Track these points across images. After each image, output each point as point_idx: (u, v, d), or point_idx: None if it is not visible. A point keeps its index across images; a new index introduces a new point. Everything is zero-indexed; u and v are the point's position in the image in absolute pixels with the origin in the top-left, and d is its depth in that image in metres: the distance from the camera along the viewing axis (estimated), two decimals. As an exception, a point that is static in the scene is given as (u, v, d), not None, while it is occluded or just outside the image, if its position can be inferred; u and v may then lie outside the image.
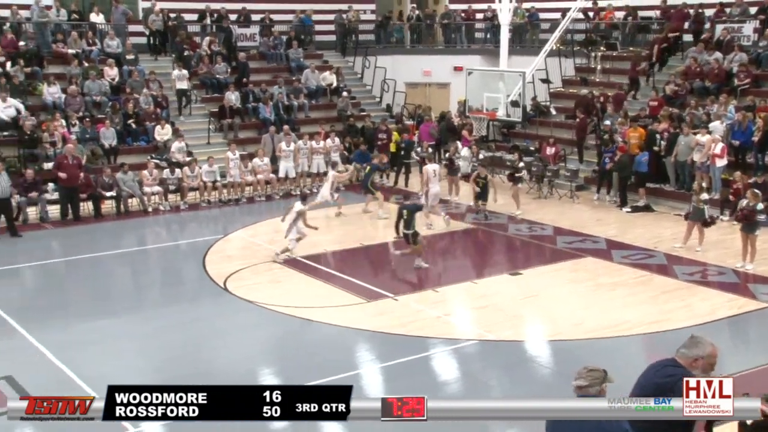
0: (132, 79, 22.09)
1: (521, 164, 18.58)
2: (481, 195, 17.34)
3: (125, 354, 10.62)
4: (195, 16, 25.72)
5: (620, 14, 25.54)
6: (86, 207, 17.94)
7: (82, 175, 17.77)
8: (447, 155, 20.40)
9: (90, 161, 19.20)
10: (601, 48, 24.51)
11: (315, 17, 27.66)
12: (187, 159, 19.71)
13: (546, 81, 23.96)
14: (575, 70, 24.66)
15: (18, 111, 19.66)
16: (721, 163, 17.38)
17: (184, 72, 22.38)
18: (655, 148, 18.42)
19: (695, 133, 17.92)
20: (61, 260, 15.23)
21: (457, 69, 26.18)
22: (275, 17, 26.97)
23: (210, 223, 18.22)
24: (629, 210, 18.07)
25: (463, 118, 23.44)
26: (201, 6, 25.72)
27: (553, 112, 23.40)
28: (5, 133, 19.32)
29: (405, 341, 10.82)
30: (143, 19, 24.86)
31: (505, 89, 22.09)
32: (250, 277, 13.57)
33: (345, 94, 24.76)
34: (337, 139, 21.39)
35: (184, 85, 22.37)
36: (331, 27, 28.26)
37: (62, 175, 17.17)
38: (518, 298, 12.59)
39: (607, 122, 20.21)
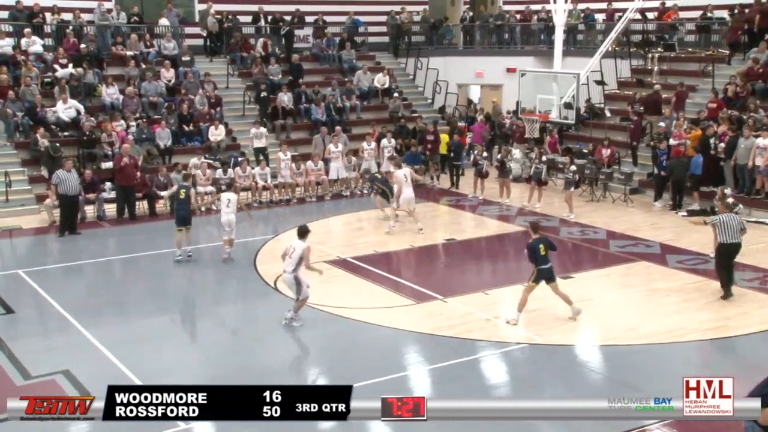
0: (187, 80, 22.48)
1: (572, 167, 18.29)
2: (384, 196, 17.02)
3: (177, 351, 10.80)
4: (249, 18, 26.07)
5: (683, 15, 24.92)
6: (141, 206, 18.32)
7: (138, 174, 18.16)
8: (499, 157, 20.23)
9: (146, 161, 19.61)
10: (659, 49, 24.00)
11: (367, 18, 27.76)
12: (239, 159, 19.96)
13: (601, 83, 23.58)
14: (631, 71, 24.21)
15: (78, 112, 20.21)
16: (783, 166, 16.84)
17: (262, 130, 21.23)
18: (712, 152, 17.95)
19: (756, 136, 17.39)
20: (116, 258, 15.56)
21: (510, 70, 25.97)
22: (328, 19, 27.17)
23: (261, 223, 18.40)
24: (685, 214, 17.65)
25: (514, 118, 23.23)
26: (256, 8, 26.05)
27: (608, 114, 23.01)
28: (66, 134, 19.86)
29: (453, 344, 10.74)
30: (200, 21, 25.30)
31: (558, 91, 21.81)
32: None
33: (396, 95, 24.78)
34: (393, 141, 21.33)
35: (262, 143, 21.01)
36: (384, 28, 28.34)
37: (124, 160, 17.43)
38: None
39: (661, 124, 19.79)
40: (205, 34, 24.99)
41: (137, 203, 18.19)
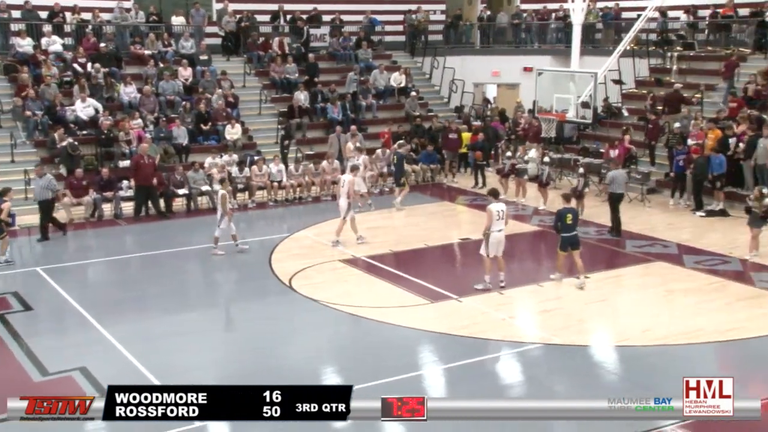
0: (204, 79, 22.59)
1: (580, 170, 18.15)
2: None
3: (193, 348, 10.83)
4: (267, 17, 26.15)
5: (702, 13, 24.68)
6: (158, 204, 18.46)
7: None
8: (517, 156, 20.16)
9: (163, 160, 19.71)
10: (678, 48, 23.81)
11: (384, 18, 27.76)
12: (256, 158, 20.03)
13: (618, 82, 23.43)
14: (650, 70, 24.03)
15: (96, 110, 20.37)
16: (803, 167, 16.68)
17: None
18: (729, 153, 17.77)
19: (776, 136, 17.21)
20: (133, 256, 15.66)
21: (527, 70, 25.86)
22: (345, 18, 27.19)
23: (276, 221, 18.46)
24: (703, 214, 17.49)
25: (530, 118, 23.11)
26: (274, 7, 26.12)
27: (625, 113, 22.86)
28: (84, 132, 20.01)
29: (468, 343, 10.72)
30: (217, 21, 25.41)
31: (575, 90, 21.70)
32: (314, 276, 13.68)
33: (413, 94, 24.76)
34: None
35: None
36: (400, 27, 28.32)
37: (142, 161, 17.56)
38: (585, 302, 12.32)
39: (677, 124, 19.62)
40: (222, 34, 25.09)
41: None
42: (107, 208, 18.09)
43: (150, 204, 18.06)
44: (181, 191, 18.52)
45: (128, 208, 18.27)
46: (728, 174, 17.71)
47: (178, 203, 18.62)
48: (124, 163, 19.20)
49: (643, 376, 9.73)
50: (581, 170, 18.18)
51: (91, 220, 17.72)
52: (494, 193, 12.98)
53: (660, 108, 21.02)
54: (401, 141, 20.18)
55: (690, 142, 18.51)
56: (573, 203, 13.42)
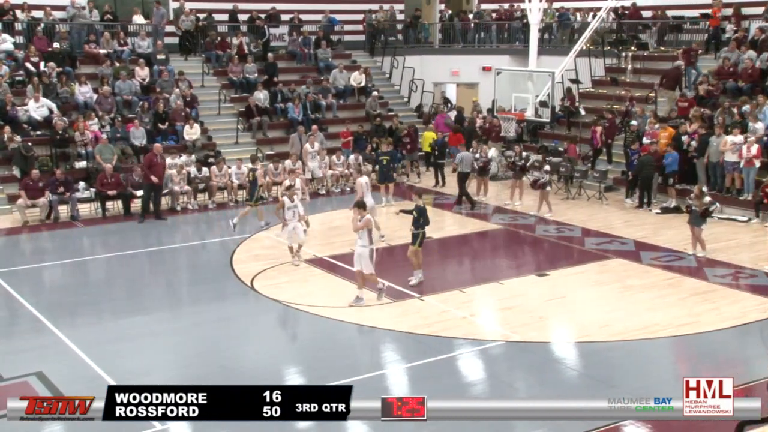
0: (162, 79, 22.31)
1: (546, 167, 18.32)
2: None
3: (153, 351, 10.72)
4: (225, 17, 25.95)
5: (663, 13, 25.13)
6: (116, 205, 18.21)
7: (111, 174, 18.03)
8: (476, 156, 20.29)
9: (120, 160, 19.43)
10: (632, 48, 24.24)
11: (343, 17, 27.75)
12: (217, 158, 19.87)
13: (575, 81, 23.76)
14: (605, 70, 24.43)
15: (50, 110, 19.98)
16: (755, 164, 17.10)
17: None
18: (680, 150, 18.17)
19: (727, 133, 17.62)
20: (91, 258, 15.43)
21: (486, 69, 26.08)
22: (304, 17, 27.11)
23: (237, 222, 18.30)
24: (658, 211, 17.85)
25: (489, 118, 23.29)
26: (231, 6, 25.92)
27: (582, 112, 23.20)
28: (38, 133, 19.63)
29: (430, 342, 10.79)
30: (173, 20, 25.13)
31: (533, 89, 21.94)
32: (276, 277, 13.62)
33: (375, 93, 24.78)
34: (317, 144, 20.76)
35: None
36: (360, 27, 28.33)
37: (154, 179, 17.46)
38: (545, 299, 12.48)
39: (634, 123, 19.99)
40: (179, 33, 24.81)
41: (110, 203, 18.08)
42: (63, 210, 17.77)
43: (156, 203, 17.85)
44: (139, 192, 18.25)
45: (84, 209, 17.97)
46: (682, 172, 18.12)
47: (137, 204, 18.35)
48: (81, 164, 18.87)
49: (603, 371, 9.89)
50: (547, 167, 18.29)
51: (47, 222, 17.41)
52: (363, 205, 12.38)
53: (615, 107, 21.33)
54: (389, 139, 20.69)
55: (645, 140, 18.86)
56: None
